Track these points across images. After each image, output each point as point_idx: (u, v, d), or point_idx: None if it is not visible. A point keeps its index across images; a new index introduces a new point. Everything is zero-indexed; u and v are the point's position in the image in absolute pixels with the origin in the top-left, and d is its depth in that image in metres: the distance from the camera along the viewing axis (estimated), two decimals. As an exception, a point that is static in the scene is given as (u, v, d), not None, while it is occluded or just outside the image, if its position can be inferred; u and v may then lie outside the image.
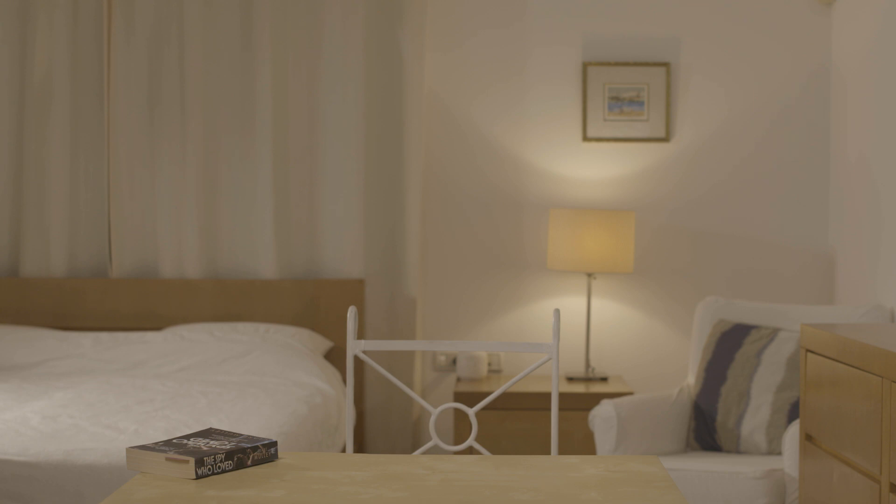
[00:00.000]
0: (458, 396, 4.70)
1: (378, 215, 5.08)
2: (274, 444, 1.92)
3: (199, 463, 1.81)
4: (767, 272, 5.07)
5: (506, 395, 4.64)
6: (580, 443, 4.58)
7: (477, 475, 1.84)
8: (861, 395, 2.82)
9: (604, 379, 4.91)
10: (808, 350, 3.24)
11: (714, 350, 4.38)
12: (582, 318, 5.04)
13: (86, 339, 4.77)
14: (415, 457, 1.98)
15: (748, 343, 4.32)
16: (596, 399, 4.60)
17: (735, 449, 4.21)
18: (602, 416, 4.14)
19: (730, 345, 4.35)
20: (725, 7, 5.05)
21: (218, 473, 1.83)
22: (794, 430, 3.80)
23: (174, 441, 1.91)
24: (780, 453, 4.11)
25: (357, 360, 4.90)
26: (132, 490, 1.75)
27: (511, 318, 5.12)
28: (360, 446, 5.04)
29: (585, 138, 5.07)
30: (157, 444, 1.90)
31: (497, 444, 4.63)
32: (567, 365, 5.07)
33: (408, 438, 5.09)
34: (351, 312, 2.38)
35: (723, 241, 5.08)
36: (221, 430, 1.99)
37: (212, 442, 1.91)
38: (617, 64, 5.05)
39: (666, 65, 5.04)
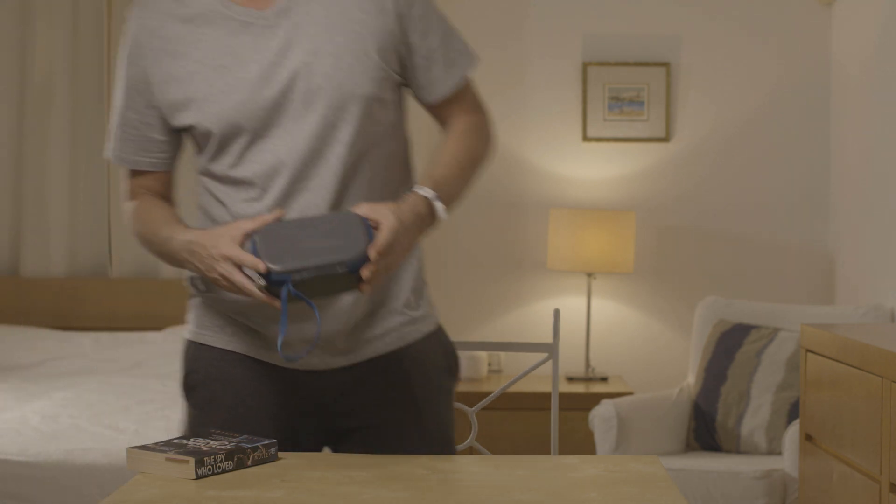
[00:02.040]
0: (458, 396, 4.66)
1: (378, 215, 5.07)
2: (274, 444, 1.92)
3: (199, 463, 1.81)
4: (767, 272, 5.06)
5: (506, 395, 4.64)
6: (580, 443, 4.58)
7: (477, 475, 1.84)
8: (861, 395, 2.82)
9: (604, 379, 4.91)
10: (808, 350, 3.24)
11: (714, 350, 4.38)
12: (582, 318, 5.04)
13: (86, 340, 4.76)
14: (415, 457, 1.98)
15: (748, 343, 4.32)
16: (596, 399, 4.59)
17: (735, 449, 4.21)
18: (602, 416, 4.14)
19: (730, 345, 4.35)
20: (725, 7, 5.05)
21: (218, 473, 1.83)
22: (794, 430, 3.80)
23: (174, 441, 1.91)
24: (780, 453, 4.11)
25: (357, 360, 4.89)
26: (132, 490, 1.75)
27: (511, 318, 5.12)
28: (360, 446, 5.03)
29: (585, 138, 5.07)
30: (157, 444, 1.90)
31: (497, 444, 4.62)
32: (567, 365, 5.07)
33: (408, 438, 5.08)
34: (351, 312, 2.37)
35: (723, 241, 5.08)
36: (221, 431, 1.99)
37: (212, 442, 1.90)
38: (617, 64, 5.05)
39: (666, 65, 5.04)
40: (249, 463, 1.88)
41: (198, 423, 2.09)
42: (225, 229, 1.91)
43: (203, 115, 2.01)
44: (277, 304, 1.84)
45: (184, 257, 1.97)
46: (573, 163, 5.10)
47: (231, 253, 1.87)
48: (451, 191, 2.07)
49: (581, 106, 5.08)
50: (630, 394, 4.63)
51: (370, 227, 1.87)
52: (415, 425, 2.11)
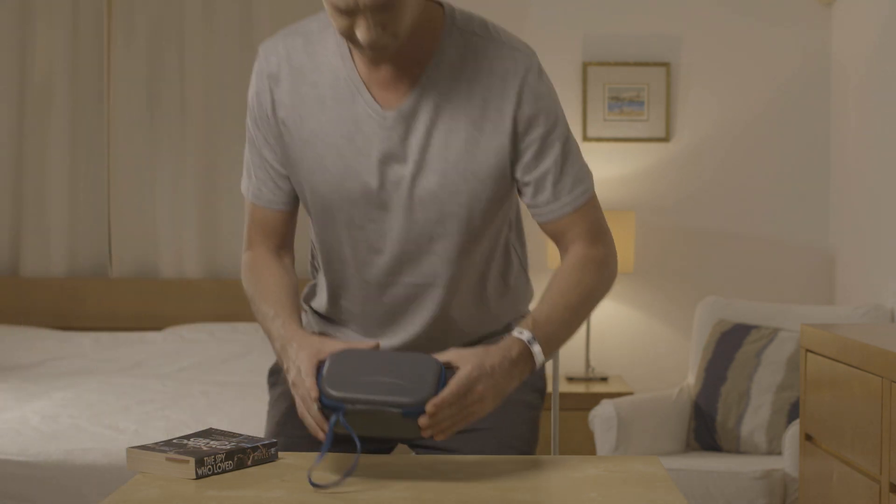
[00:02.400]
0: (458, 396, 4.69)
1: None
2: (274, 444, 1.92)
3: (199, 463, 1.81)
4: (767, 272, 5.06)
5: (506, 395, 4.64)
6: (580, 443, 4.58)
7: (477, 475, 1.84)
8: (861, 395, 2.82)
9: (604, 379, 4.91)
10: (808, 350, 3.24)
11: (714, 350, 4.38)
12: (582, 318, 5.03)
13: (86, 340, 4.76)
14: (415, 457, 1.98)
15: (748, 343, 4.32)
16: (596, 399, 4.59)
17: (735, 449, 4.21)
18: (602, 416, 4.14)
19: (730, 345, 4.35)
20: (725, 7, 5.05)
21: (218, 473, 1.83)
22: (794, 430, 3.80)
23: (174, 441, 1.91)
24: (780, 453, 4.11)
25: (357, 360, 4.89)
26: (132, 490, 1.75)
27: (511, 318, 5.11)
28: (360, 446, 5.03)
29: (586, 138, 5.07)
30: (157, 444, 1.90)
31: (497, 444, 4.62)
32: (567, 365, 5.07)
33: (408, 438, 5.08)
34: (352, 313, 2.37)
35: (723, 240, 5.08)
36: (221, 430, 1.99)
37: (212, 442, 1.90)
38: (617, 64, 5.05)
39: (666, 65, 5.04)
40: (249, 463, 1.88)
41: (269, 416, 2.19)
42: (316, 346, 1.87)
43: (300, 184, 2.03)
44: (325, 427, 1.81)
45: (274, 345, 2.00)
46: (573, 163, 5.09)
47: (303, 367, 1.85)
48: (554, 333, 1.98)
49: (581, 106, 5.08)
50: (630, 394, 4.63)
51: (445, 377, 1.81)
52: (490, 434, 2.07)
